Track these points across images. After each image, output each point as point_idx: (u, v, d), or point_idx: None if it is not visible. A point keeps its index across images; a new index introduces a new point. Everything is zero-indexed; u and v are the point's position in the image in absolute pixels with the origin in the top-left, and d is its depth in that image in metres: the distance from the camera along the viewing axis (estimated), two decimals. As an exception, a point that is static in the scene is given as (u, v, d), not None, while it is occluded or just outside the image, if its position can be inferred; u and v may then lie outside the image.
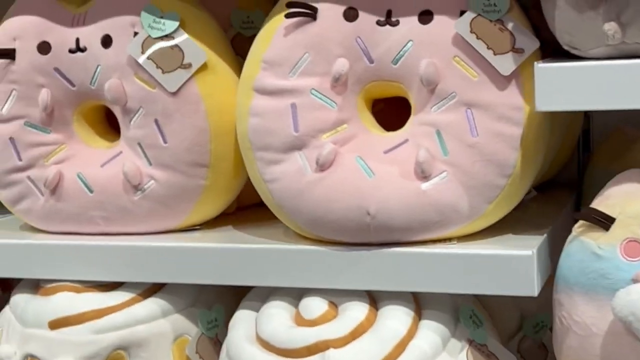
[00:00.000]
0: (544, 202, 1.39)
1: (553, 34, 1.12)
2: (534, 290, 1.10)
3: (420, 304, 1.18)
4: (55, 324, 1.26)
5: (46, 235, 1.34)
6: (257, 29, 1.38)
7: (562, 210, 1.34)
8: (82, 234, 1.32)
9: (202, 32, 1.26)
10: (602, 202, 1.10)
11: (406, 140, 1.15)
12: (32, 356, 1.26)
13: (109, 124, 1.38)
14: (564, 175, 1.57)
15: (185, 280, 1.25)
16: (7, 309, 1.36)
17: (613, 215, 1.07)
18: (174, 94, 1.23)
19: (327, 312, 1.17)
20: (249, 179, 1.25)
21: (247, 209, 1.41)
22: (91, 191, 1.29)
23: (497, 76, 1.11)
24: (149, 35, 1.24)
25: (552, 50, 1.16)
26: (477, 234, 1.18)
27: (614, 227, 1.07)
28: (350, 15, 1.16)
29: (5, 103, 1.31)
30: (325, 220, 1.15)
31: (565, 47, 1.10)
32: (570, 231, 1.11)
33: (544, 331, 1.36)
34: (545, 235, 1.17)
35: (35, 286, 1.34)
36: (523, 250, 1.10)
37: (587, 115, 1.56)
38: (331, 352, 1.11)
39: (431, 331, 1.14)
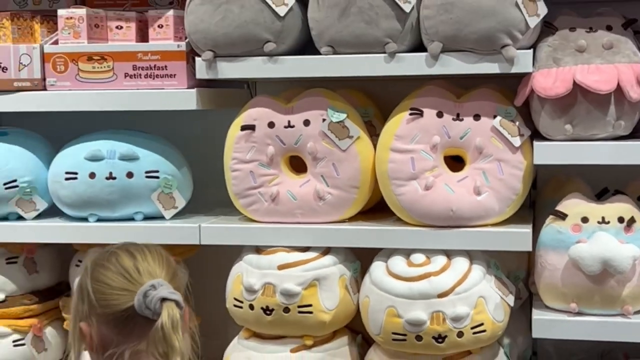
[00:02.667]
0: (519, 213, 2.61)
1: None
2: (530, 247, 2.33)
3: (471, 257, 2.38)
4: (282, 267, 2.40)
5: (261, 223, 2.50)
6: (370, 117, 2.58)
7: (528, 216, 2.56)
8: (285, 223, 2.48)
9: (355, 119, 2.44)
10: (562, 208, 2.33)
11: (467, 176, 2.37)
12: (269, 283, 2.39)
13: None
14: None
15: (348, 245, 2.44)
16: (241, 263, 2.47)
17: (567, 213, 2.31)
18: (344, 150, 2.41)
19: (425, 261, 2.36)
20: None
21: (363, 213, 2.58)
22: (295, 199, 2.45)
23: (512, 147, 2.34)
24: (332, 120, 2.42)
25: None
26: (499, 223, 2.39)
27: (567, 219, 2.31)
28: (440, 115, 2.37)
29: (249, 152, 2.46)
30: (429, 215, 2.35)
31: (543, 134, 2.34)
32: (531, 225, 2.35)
33: (518, 280, 2.57)
34: (531, 224, 2.39)
35: (256, 251, 2.48)
36: (526, 229, 2.33)
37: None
38: (432, 277, 2.31)
39: (478, 270, 2.35)
